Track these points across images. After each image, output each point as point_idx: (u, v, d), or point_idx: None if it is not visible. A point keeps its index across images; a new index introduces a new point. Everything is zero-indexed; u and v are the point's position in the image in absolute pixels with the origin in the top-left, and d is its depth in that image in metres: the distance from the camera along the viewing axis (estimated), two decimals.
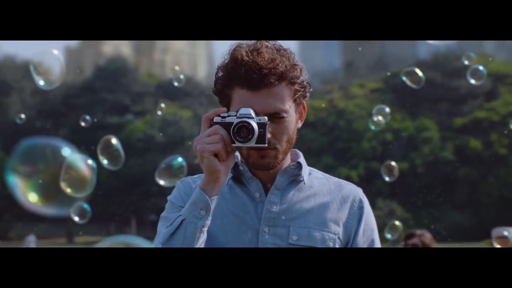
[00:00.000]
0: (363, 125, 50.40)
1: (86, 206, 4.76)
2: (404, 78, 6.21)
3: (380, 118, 6.17)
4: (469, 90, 56.03)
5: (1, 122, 57.02)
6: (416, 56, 58.55)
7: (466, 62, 6.97)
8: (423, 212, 53.22)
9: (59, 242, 53.19)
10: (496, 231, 5.99)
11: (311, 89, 2.26)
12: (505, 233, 5.87)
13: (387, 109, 6.87)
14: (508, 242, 5.79)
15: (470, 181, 55.35)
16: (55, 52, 4.39)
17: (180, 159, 5.14)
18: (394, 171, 6.53)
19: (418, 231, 6.02)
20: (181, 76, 7.76)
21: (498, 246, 5.81)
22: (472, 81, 6.86)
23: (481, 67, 6.86)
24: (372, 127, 5.90)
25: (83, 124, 10.13)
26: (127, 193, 54.82)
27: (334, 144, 57.51)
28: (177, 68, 8.02)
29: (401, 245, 6.42)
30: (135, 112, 65.49)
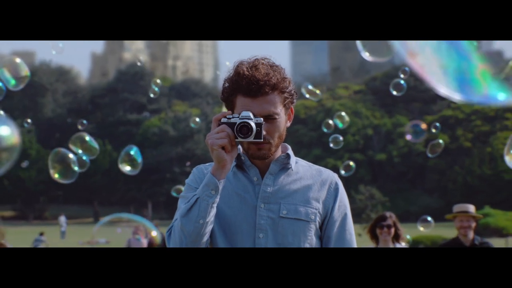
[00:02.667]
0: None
1: (85, 157, 4.82)
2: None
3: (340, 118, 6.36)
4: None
5: (38, 119, 56.85)
6: (392, 62, 58.59)
7: (402, 76, 7.13)
8: (399, 196, 53.29)
9: (87, 222, 53.17)
10: (456, 207, 6.16)
11: (297, 96, 2.45)
12: (428, 218, 6.09)
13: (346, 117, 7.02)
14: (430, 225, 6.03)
15: (439, 169, 55.34)
16: (17, 60, 4.54)
17: (135, 148, 5.14)
18: (332, 125, 6.67)
19: (387, 214, 6.11)
20: (156, 89, 7.90)
21: (422, 229, 6.06)
22: (394, 93, 7.02)
23: (402, 81, 7.04)
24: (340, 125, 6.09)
25: (80, 127, 9.64)
26: (144, 180, 54.71)
27: (322, 138, 57.40)
28: (158, 81, 8.09)
29: (368, 225, 6.51)
30: (151, 110, 65.24)
